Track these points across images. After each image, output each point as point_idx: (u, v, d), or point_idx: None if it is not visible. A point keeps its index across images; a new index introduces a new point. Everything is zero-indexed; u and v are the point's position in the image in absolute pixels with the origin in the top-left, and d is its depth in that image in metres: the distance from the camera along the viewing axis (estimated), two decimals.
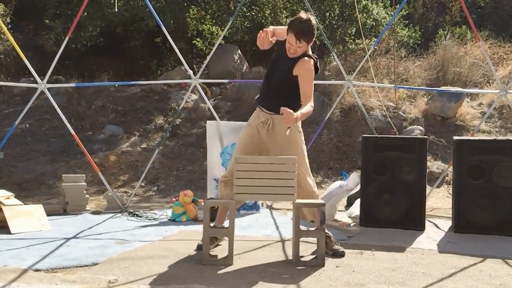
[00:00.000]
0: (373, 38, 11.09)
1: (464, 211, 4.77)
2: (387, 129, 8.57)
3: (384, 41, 10.86)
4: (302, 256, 3.72)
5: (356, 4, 9.91)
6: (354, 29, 11.24)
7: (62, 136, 9.09)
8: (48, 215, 5.12)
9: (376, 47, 9.97)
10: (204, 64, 6.86)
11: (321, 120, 6.84)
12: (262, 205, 6.08)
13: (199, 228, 4.13)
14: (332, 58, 9.97)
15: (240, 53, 11.69)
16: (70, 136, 6.63)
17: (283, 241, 4.43)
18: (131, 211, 5.77)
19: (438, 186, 7.12)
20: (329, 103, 9.37)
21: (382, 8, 11.82)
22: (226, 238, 3.70)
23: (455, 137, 5.06)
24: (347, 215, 5.51)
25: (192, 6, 12.33)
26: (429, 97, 9.57)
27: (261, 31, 3.89)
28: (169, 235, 4.65)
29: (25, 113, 5.87)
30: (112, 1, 10.38)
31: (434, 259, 3.87)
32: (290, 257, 3.84)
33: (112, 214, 5.67)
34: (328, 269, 3.55)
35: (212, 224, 3.92)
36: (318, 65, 3.95)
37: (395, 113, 9.27)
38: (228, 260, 3.65)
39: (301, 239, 3.71)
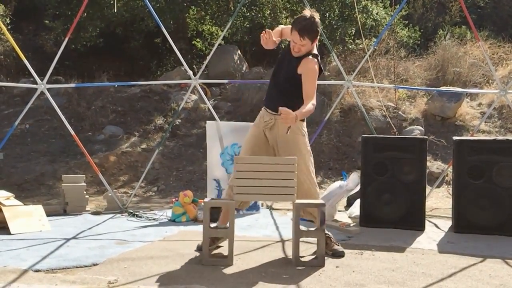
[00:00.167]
0: (373, 38, 11.10)
1: (464, 211, 4.77)
2: (387, 129, 8.58)
3: (384, 41, 10.85)
4: (302, 256, 3.72)
5: (355, 4, 9.92)
6: (354, 29, 11.24)
7: (62, 137, 9.09)
8: (48, 215, 5.12)
9: (375, 47, 9.97)
10: (204, 65, 6.86)
11: (321, 120, 6.84)
12: (262, 206, 6.08)
13: (199, 228, 4.14)
14: (332, 58, 9.97)
15: (240, 53, 11.69)
16: (70, 136, 6.63)
17: (283, 241, 4.43)
18: (131, 211, 5.77)
19: (438, 186, 7.12)
20: (329, 103, 9.37)
21: (382, 8, 11.82)
22: (226, 238, 3.69)
23: (455, 137, 5.06)
24: (347, 215, 5.51)
25: (192, 7, 12.33)
26: (429, 97, 9.57)
27: (263, 32, 3.87)
28: (169, 235, 4.65)
29: (25, 114, 5.87)
30: (112, 2, 10.38)
31: (434, 259, 3.87)
32: (290, 257, 3.84)
33: (112, 215, 5.67)
34: (328, 269, 3.55)
35: (214, 225, 3.93)
36: (321, 65, 3.96)
37: (395, 113, 9.27)
38: (228, 260, 3.65)
39: (301, 239, 3.71)
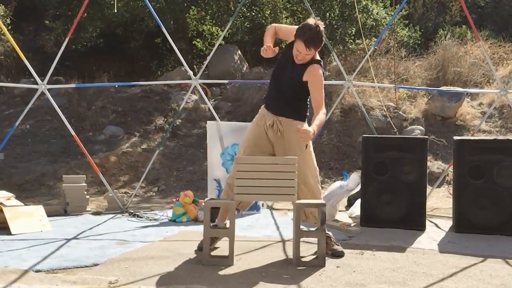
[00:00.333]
0: (373, 38, 11.10)
1: (464, 211, 4.77)
2: (387, 129, 8.58)
3: (384, 41, 10.86)
4: (302, 257, 3.72)
5: (356, 4, 9.92)
6: (354, 29, 11.25)
7: (63, 137, 9.09)
8: (48, 216, 5.12)
9: (376, 47, 9.97)
10: (204, 65, 6.86)
11: None
12: (263, 206, 6.08)
13: (199, 228, 4.14)
14: (332, 58, 9.97)
15: (240, 53, 11.69)
16: (70, 136, 6.63)
17: (283, 241, 4.43)
18: (132, 211, 5.77)
19: (439, 186, 7.12)
20: (329, 103, 9.35)
21: (382, 8, 11.82)
22: (227, 238, 3.69)
23: (456, 137, 5.06)
24: (347, 215, 5.51)
25: (192, 7, 12.34)
26: (429, 97, 9.57)
27: (263, 48, 3.82)
28: (169, 235, 4.65)
29: (25, 114, 5.87)
30: (112, 2, 10.38)
31: (434, 259, 3.86)
32: (291, 257, 3.83)
33: (113, 215, 5.67)
34: (329, 269, 3.55)
35: (212, 224, 3.93)
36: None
37: (395, 113, 9.27)
38: (228, 260, 3.65)
39: (302, 239, 3.71)
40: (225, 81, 9.34)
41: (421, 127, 8.81)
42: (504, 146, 4.75)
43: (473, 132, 7.15)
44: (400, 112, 9.29)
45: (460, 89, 9.06)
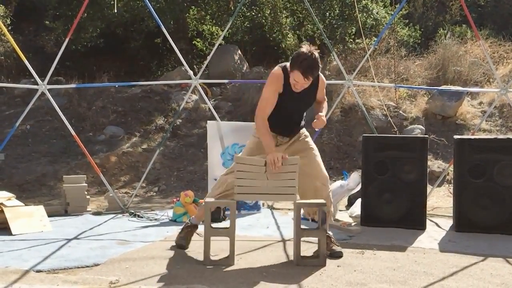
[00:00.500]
0: (373, 37, 11.10)
1: (465, 210, 4.77)
2: (387, 129, 8.57)
3: (384, 40, 10.86)
4: (303, 256, 3.72)
5: (356, 3, 9.92)
6: (354, 28, 11.25)
7: (63, 137, 9.10)
8: (49, 216, 5.12)
9: (376, 47, 9.97)
10: (205, 65, 6.86)
11: None
12: (263, 205, 6.08)
13: (200, 228, 4.13)
14: (332, 57, 9.97)
15: (240, 53, 11.70)
16: (70, 137, 6.63)
17: (284, 241, 4.43)
18: (132, 211, 5.77)
19: (439, 185, 7.12)
20: (329, 103, 9.34)
21: (382, 8, 11.82)
22: (227, 238, 3.69)
23: (456, 136, 5.06)
24: (348, 214, 5.50)
25: (192, 7, 12.34)
26: (429, 96, 9.57)
27: (275, 162, 3.65)
28: (170, 235, 4.64)
29: (25, 114, 5.87)
30: (112, 2, 10.38)
31: (435, 258, 3.86)
32: (291, 257, 3.83)
33: (113, 215, 5.67)
34: (330, 269, 3.55)
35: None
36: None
37: (396, 113, 9.27)
38: (229, 260, 3.65)
39: (302, 238, 3.71)
40: (225, 81, 9.34)
41: (421, 127, 8.81)
42: (505, 145, 4.75)
43: (473, 131, 7.15)
44: (401, 112, 9.29)
45: (460, 88, 9.06)
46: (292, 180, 3.69)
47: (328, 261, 3.68)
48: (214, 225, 3.88)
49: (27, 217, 4.88)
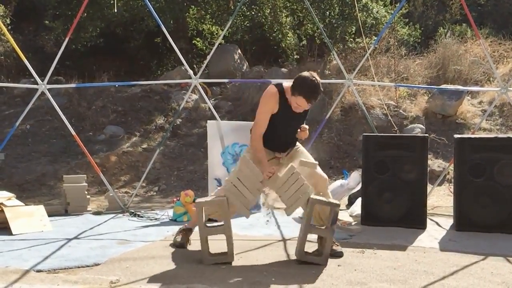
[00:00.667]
0: (373, 36, 11.09)
1: (465, 209, 4.77)
2: (387, 128, 8.57)
3: (384, 39, 10.85)
4: (306, 252, 3.71)
5: (356, 2, 9.91)
6: (354, 27, 11.25)
7: (63, 137, 9.09)
8: (49, 215, 5.12)
9: (376, 46, 9.97)
10: (204, 64, 6.86)
11: (322, 119, 6.84)
12: (263, 205, 6.08)
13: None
14: (332, 57, 9.97)
15: (240, 52, 11.69)
16: (70, 136, 6.63)
17: (284, 240, 4.43)
18: (132, 211, 5.77)
19: (439, 185, 7.12)
20: (329, 102, 9.36)
21: (382, 7, 11.82)
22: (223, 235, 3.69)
23: (456, 135, 5.06)
24: (348, 214, 5.50)
25: (192, 6, 12.34)
26: (429, 95, 9.57)
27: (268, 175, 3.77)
28: (170, 235, 4.64)
29: (25, 114, 5.87)
30: (112, 2, 10.38)
31: (435, 257, 3.86)
32: (292, 256, 3.84)
33: (113, 215, 5.67)
34: (330, 268, 3.54)
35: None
36: None
37: (396, 112, 9.27)
38: (228, 257, 3.65)
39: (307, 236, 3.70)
40: (225, 80, 9.34)
41: (421, 126, 8.81)
42: (505, 144, 4.75)
43: (473, 130, 7.15)
44: (401, 111, 9.29)
45: (460, 87, 9.06)
46: (302, 186, 3.68)
47: (329, 260, 3.68)
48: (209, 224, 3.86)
49: (27, 217, 4.88)
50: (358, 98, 6.75)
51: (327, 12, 11.18)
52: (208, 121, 6.07)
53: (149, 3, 6.16)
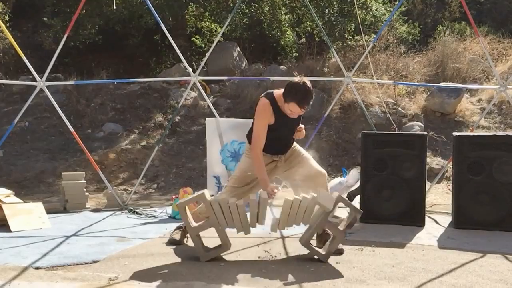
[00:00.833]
0: (372, 34, 11.09)
1: (464, 207, 4.77)
2: (386, 126, 8.57)
3: (383, 37, 10.85)
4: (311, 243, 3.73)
5: (355, 0, 9.90)
6: (353, 25, 11.24)
7: (62, 134, 9.08)
8: (48, 213, 5.12)
9: (375, 44, 9.97)
10: (203, 61, 6.85)
11: (321, 117, 6.84)
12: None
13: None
14: (331, 54, 9.96)
15: (239, 50, 11.68)
16: (69, 134, 6.62)
17: (283, 237, 4.43)
18: (131, 208, 5.77)
19: (438, 182, 7.12)
20: (328, 99, 9.37)
21: (381, 4, 11.82)
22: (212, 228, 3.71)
23: (455, 133, 5.06)
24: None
25: (190, 3, 12.32)
26: (428, 93, 9.57)
27: (270, 192, 3.83)
28: (169, 232, 4.64)
29: (24, 111, 5.86)
30: None
31: (434, 255, 3.87)
32: (291, 253, 3.84)
33: (112, 212, 5.67)
34: (329, 265, 3.55)
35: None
36: None
37: (395, 110, 9.27)
38: (223, 248, 3.67)
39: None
40: (224, 78, 9.33)
41: (420, 123, 8.82)
42: (503, 142, 4.75)
43: (472, 128, 7.15)
44: (399, 109, 9.29)
45: (459, 85, 9.06)
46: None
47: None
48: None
49: (26, 214, 4.88)
50: (357, 95, 6.74)
51: (326, 10, 11.17)
52: (207, 118, 6.06)
53: (148, 1, 6.14)
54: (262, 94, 3.97)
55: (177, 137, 9.25)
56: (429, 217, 5.29)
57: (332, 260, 3.67)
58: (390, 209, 4.95)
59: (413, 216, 4.90)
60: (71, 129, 5.93)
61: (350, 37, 11.44)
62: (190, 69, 6.35)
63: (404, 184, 4.92)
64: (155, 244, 4.19)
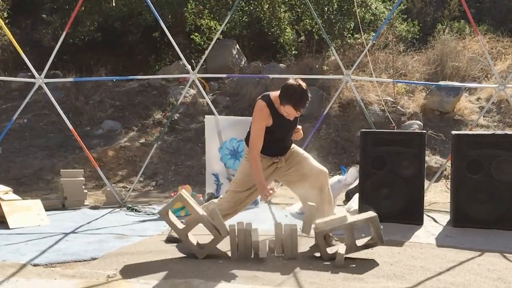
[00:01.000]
0: (372, 32, 11.08)
1: (462, 205, 4.78)
2: (385, 124, 8.58)
3: (383, 35, 10.85)
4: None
5: None
6: (353, 23, 11.24)
7: (60, 131, 9.07)
8: (46, 210, 5.12)
9: (374, 42, 9.96)
10: (203, 59, 6.83)
11: (320, 115, 6.84)
12: (261, 200, 6.08)
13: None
14: (331, 52, 9.96)
15: (238, 47, 11.67)
16: (68, 131, 6.62)
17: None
18: (130, 206, 5.77)
19: (437, 181, 7.13)
20: (327, 98, 9.37)
21: (381, 3, 11.81)
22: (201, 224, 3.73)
23: (454, 132, 5.06)
24: (345, 209, 5.51)
25: (190, 1, 12.30)
26: (427, 91, 9.57)
27: (267, 194, 3.85)
28: (167, 230, 4.64)
29: (23, 108, 5.85)
30: None
31: (432, 253, 3.87)
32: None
33: (111, 209, 5.67)
34: (327, 263, 3.55)
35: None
36: None
37: (394, 108, 9.27)
38: (216, 240, 3.70)
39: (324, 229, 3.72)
40: (223, 75, 9.32)
41: (419, 122, 8.82)
42: (502, 140, 4.75)
43: (471, 127, 7.15)
44: (398, 107, 9.30)
45: (458, 84, 9.06)
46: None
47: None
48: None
49: (25, 211, 4.88)
50: (356, 94, 6.74)
51: (326, 8, 11.16)
52: (206, 116, 6.06)
53: None
54: (259, 97, 3.97)
55: (176, 135, 9.24)
56: (428, 216, 5.29)
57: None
58: (389, 207, 4.95)
59: (411, 214, 4.90)
60: (70, 126, 5.93)
61: (350, 35, 11.43)
62: (189, 67, 6.35)
63: (402, 183, 4.92)
64: (153, 241, 4.19)
